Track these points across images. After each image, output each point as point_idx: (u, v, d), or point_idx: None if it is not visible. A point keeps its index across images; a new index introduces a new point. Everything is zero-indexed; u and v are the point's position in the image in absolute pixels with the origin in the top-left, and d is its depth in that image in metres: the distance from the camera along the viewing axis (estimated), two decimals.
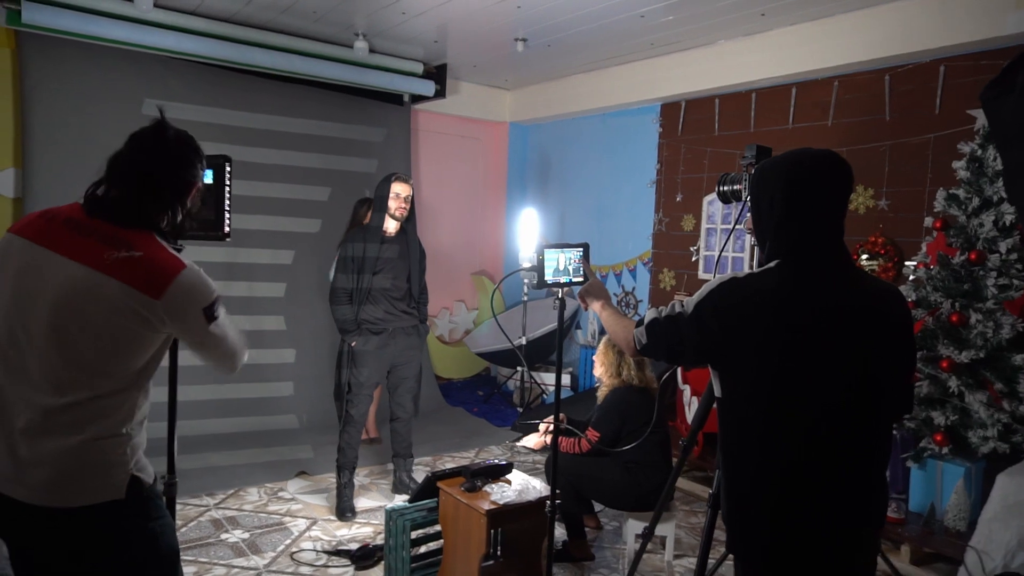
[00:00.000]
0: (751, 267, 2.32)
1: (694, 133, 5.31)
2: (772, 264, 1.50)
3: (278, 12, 4.55)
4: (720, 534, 2.04)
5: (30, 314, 1.43)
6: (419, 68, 5.65)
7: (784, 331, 1.43)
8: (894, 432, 3.53)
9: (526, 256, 5.63)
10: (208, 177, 1.84)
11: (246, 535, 3.41)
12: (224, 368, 1.62)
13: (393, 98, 5.84)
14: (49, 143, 4.45)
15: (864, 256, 4.10)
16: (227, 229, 1.88)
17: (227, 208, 1.86)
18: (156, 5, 4.33)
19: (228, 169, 1.87)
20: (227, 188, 1.86)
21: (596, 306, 1.95)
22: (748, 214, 2.08)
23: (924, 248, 3.65)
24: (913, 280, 3.64)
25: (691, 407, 4.39)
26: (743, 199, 2.06)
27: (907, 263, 3.92)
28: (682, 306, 1.55)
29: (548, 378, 5.88)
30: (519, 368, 5.91)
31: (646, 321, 1.61)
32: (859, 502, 1.47)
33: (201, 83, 4.92)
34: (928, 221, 3.79)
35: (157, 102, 1.76)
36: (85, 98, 4.54)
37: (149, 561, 1.50)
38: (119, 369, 1.45)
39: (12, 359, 1.44)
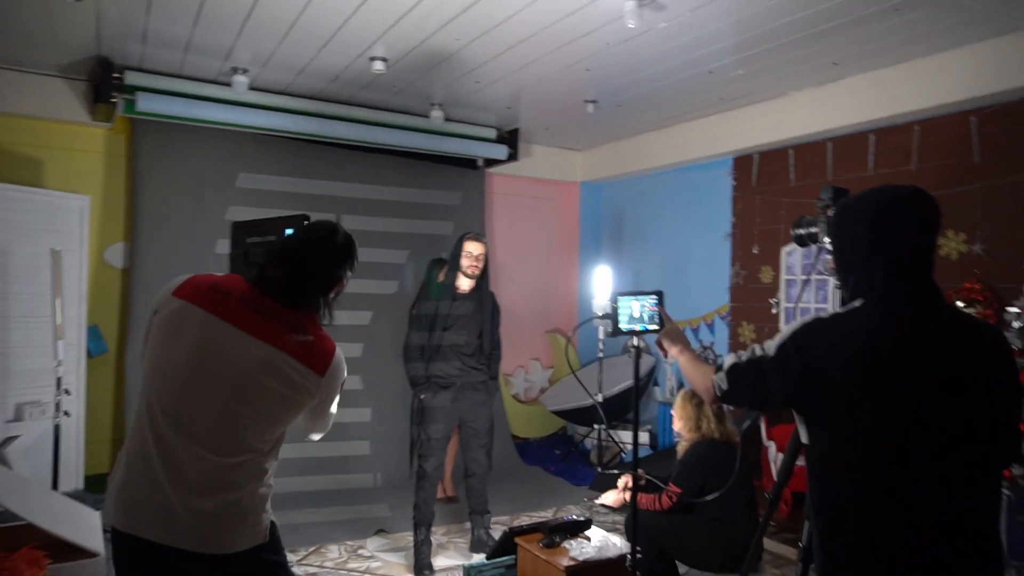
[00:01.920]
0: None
1: (769, 184, 5.24)
2: (856, 303, 1.45)
3: (360, 88, 4.85)
4: None
5: (211, 383, 1.57)
6: (492, 133, 5.86)
7: (872, 373, 1.36)
8: (1008, 493, 3.26)
9: (600, 304, 5.58)
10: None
11: None
12: (322, 431, 1.83)
13: (468, 163, 6.06)
14: (154, 218, 4.84)
15: (960, 304, 3.88)
16: None
17: None
18: (251, 88, 4.70)
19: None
20: None
21: (674, 351, 1.91)
22: (827, 256, 2.04)
23: None
24: (1018, 327, 3.41)
25: (777, 464, 4.19)
26: (820, 241, 2.02)
27: (1008, 309, 3.69)
28: (763, 349, 1.49)
29: (626, 436, 5.75)
30: (596, 426, 5.81)
31: (726, 366, 1.55)
32: (971, 556, 1.36)
33: (290, 156, 5.27)
34: None
35: (355, 215, 1.95)
36: (186, 175, 4.94)
37: None
38: (275, 433, 1.64)
39: (185, 421, 1.57)
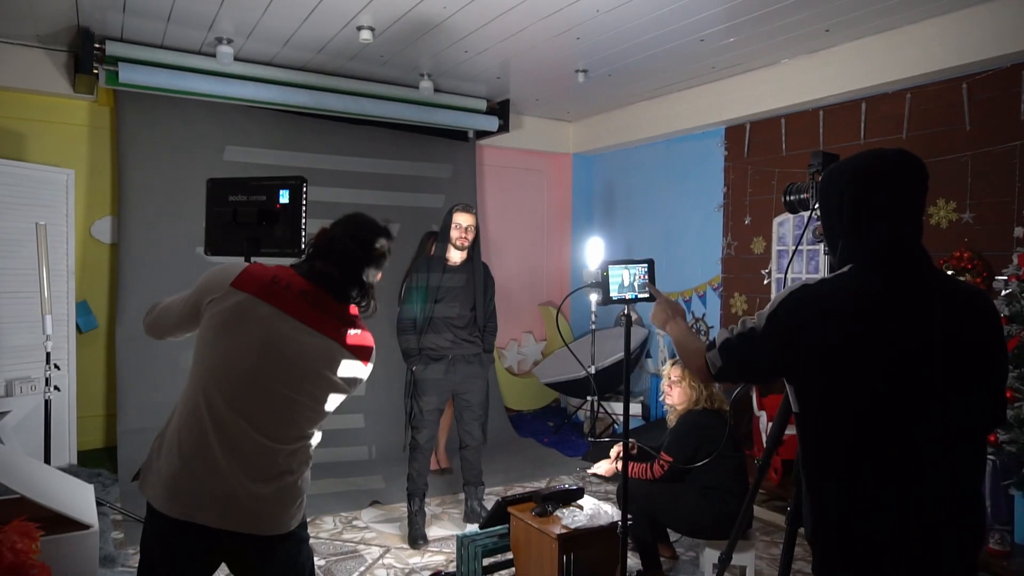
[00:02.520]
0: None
1: (761, 154, 5.22)
2: (846, 268, 1.44)
3: (347, 59, 4.78)
4: (800, 552, 1.95)
5: (276, 374, 1.63)
6: (483, 104, 5.80)
7: (864, 337, 1.35)
8: (992, 458, 3.31)
9: (590, 273, 5.56)
10: (285, 197, 1.95)
11: (322, 562, 3.46)
12: None
13: (458, 135, 6.00)
14: (141, 192, 4.78)
15: (950, 272, 3.89)
16: (302, 246, 1.97)
17: (303, 226, 1.94)
18: (237, 59, 4.62)
19: (304, 190, 1.96)
20: (303, 207, 1.95)
21: (667, 327, 1.84)
22: (818, 223, 2.03)
23: (1016, 260, 3.45)
24: (1006, 295, 3.43)
25: (768, 434, 4.23)
26: (811, 207, 2.01)
27: (998, 277, 3.71)
28: (753, 321, 1.47)
29: (619, 408, 5.79)
30: (589, 398, 5.84)
31: (718, 343, 1.52)
32: (955, 518, 1.37)
33: (278, 129, 5.20)
34: (1019, 231, 3.59)
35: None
36: (173, 148, 4.87)
37: (310, 564, 1.81)
38: (324, 419, 1.74)
39: (248, 412, 1.62)
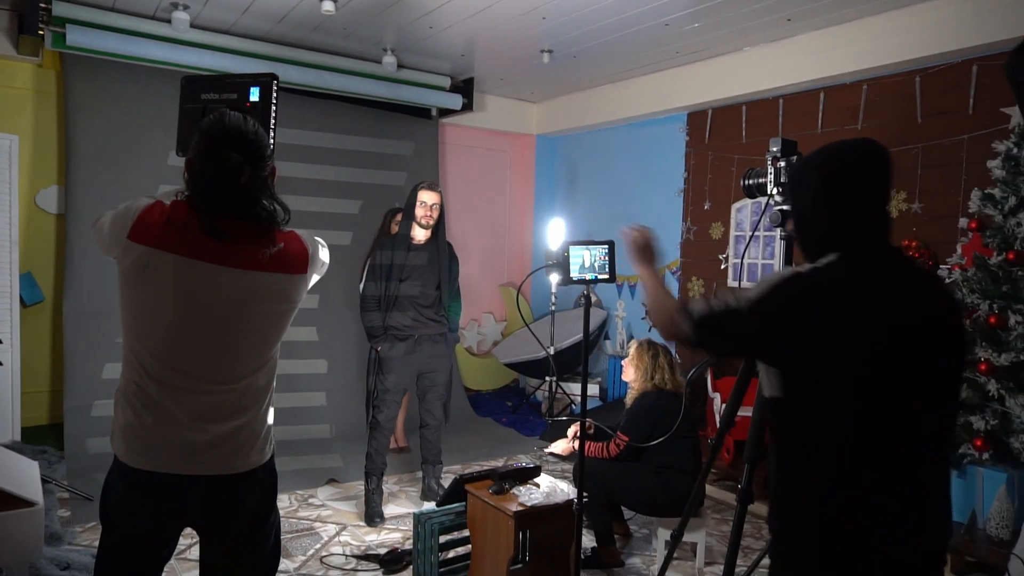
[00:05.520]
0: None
1: (721, 140, 5.29)
2: (833, 257, 1.42)
3: (309, 30, 4.67)
4: (749, 529, 2.01)
5: (201, 324, 1.55)
6: (447, 82, 5.73)
7: (864, 326, 1.34)
8: None
9: (551, 253, 5.56)
10: (255, 95, 1.85)
11: None
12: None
13: (421, 112, 5.93)
14: (89, 160, 4.60)
15: None
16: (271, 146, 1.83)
17: (272, 127, 1.83)
18: (193, 25, 4.47)
19: (275, 88, 1.85)
20: (273, 107, 1.85)
21: (644, 271, 1.74)
22: (775, 209, 2.08)
23: (959, 250, 3.58)
24: (949, 283, 3.57)
25: (721, 415, 4.33)
26: (768, 192, 2.05)
27: (942, 266, 3.85)
28: (737, 302, 1.42)
29: (576, 388, 5.85)
30: (547, 378, 5.89)
31: (696, 315, 1.45)
32: (934, 511, 1.39)
33: None
34: (963, 222, 3.72)
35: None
36: (123, 116, 4.69)
37: (277, 516, 1.77)
38: (274, 350, 1.67)
39: (182, 365, 1.56)
